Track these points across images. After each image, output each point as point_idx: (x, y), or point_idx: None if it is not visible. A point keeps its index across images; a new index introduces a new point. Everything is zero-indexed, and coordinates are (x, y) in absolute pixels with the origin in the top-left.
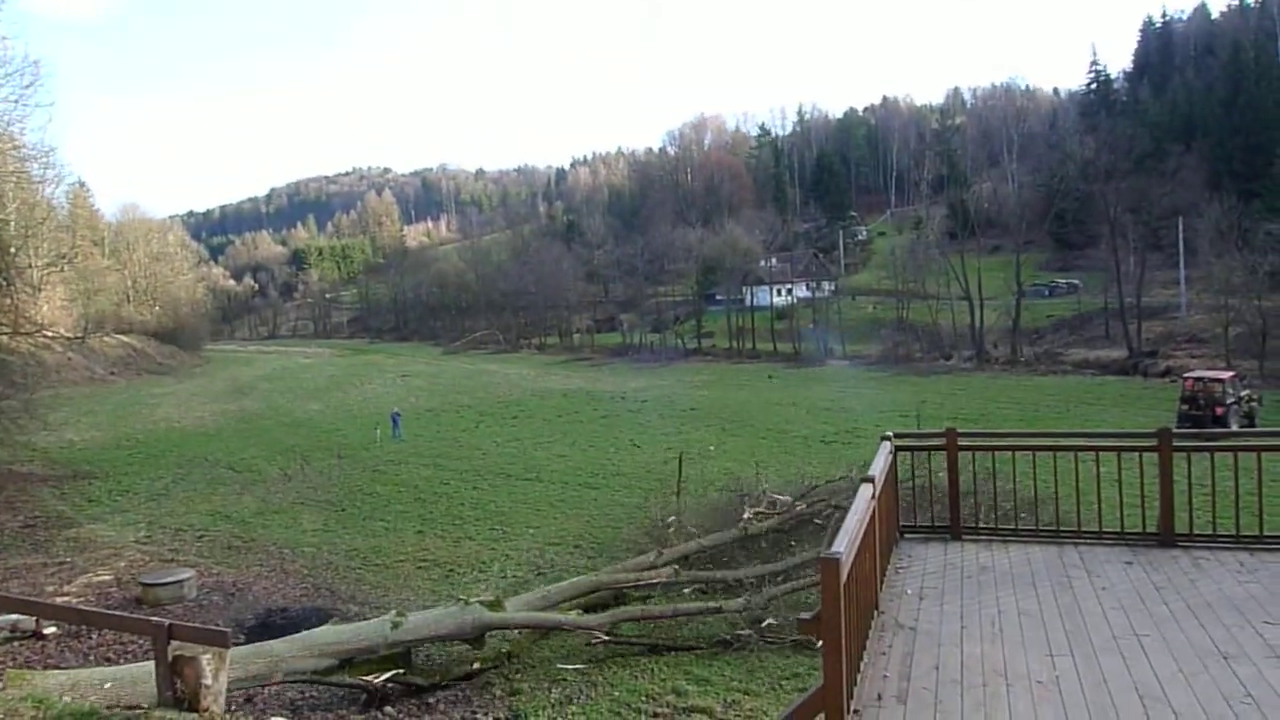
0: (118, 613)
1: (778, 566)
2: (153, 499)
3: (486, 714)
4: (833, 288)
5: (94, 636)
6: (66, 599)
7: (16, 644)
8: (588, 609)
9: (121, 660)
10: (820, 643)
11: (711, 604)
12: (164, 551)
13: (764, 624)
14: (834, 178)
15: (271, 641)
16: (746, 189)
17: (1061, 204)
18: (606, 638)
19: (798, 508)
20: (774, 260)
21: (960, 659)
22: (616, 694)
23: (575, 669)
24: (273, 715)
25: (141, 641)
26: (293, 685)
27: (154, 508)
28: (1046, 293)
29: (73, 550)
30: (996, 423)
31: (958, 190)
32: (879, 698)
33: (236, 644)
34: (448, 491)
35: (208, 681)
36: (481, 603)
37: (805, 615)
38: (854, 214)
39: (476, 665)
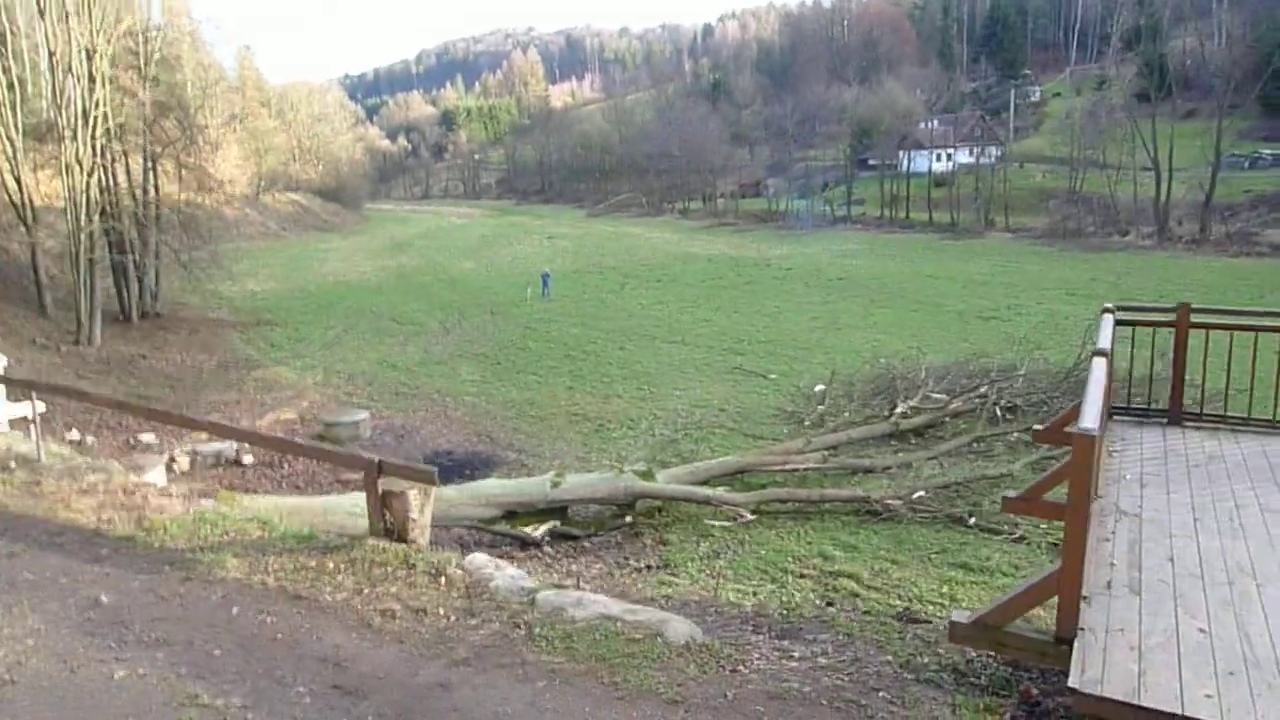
0: (333, 448)
1: (928, 454)
2: (326, 346)
3: (638, 560)
4: (999, 154)
5: (285, 467)
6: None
7: (221, 469)
8: (735, 487)
9: (309, 490)
10: (975, 528)
11: (859, 492)
12: (339, 394)
13: (914, 496)
14: (1008, 31)
15: (445, 487)
16: (909, 44)
17: None
18: (752, 516)
19: (952, 405)
20: (935, 122)
21: (1197, 552)
22: (763, 553)
23: (723, 526)
24: (451, 551)
25: (325, 475)
26: (460, 526)
27: (328, 354)
28: (1246, 165)
29: (261, 390)
30: None
31: (1154, 45)
32: (1108, 585)
33: None
34: (595, 350)
35: (414, 516)
36: (635, 472)
37: (1011, 494)
38: (1028, 72)
39: (628, 519)
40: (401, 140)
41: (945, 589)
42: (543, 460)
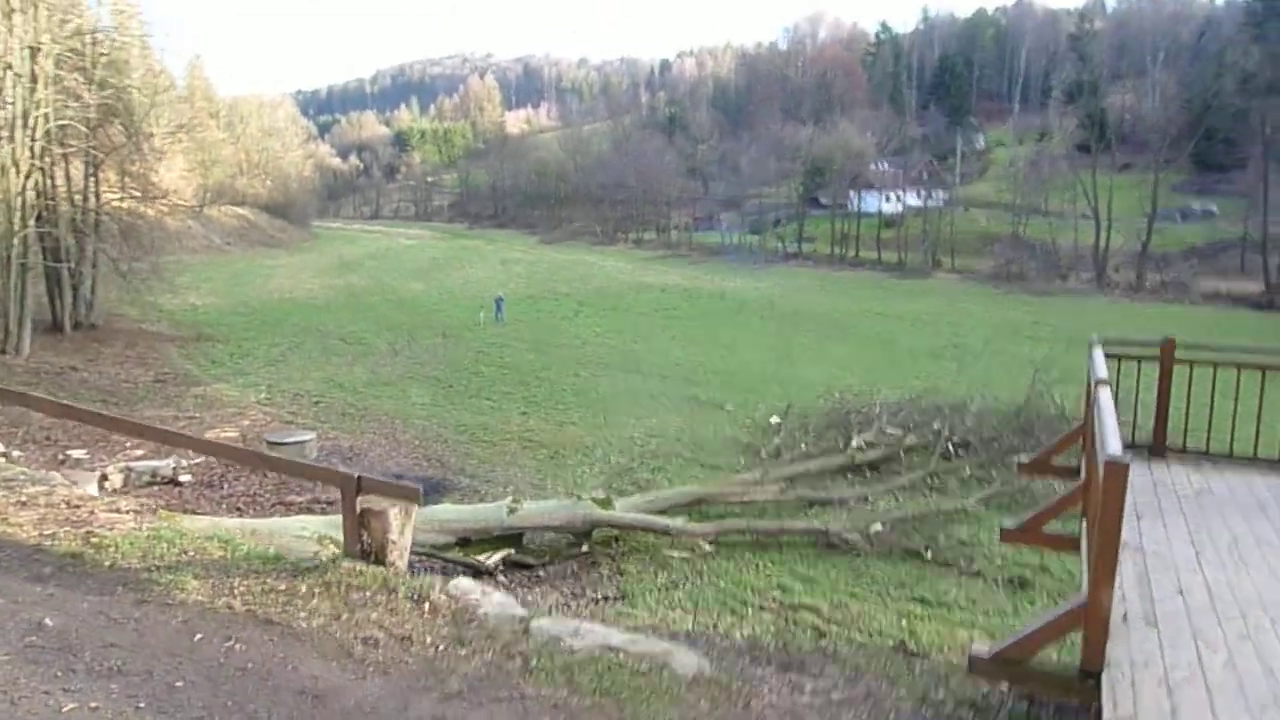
0: (309, 463)
1: (884, 487)
2: (271, 364)
3: (595, 590)
4: (946, 197)
5: (224, 488)
6: None
7: (157, 488)
8: (693, 517)
9: (250, 512)
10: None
11: (817, 524)
12: (283, 414)
13: (871, 530)
14: (956, 80)
15: None
16: (860, 88)
17: (1212, 121)
18: (710, 547)
19: (907, 440)
20: (885, 164)
21: (1205, 585)
22: (722, 584)
23: (680, 556)
24: (435, 575)
25: (266, 496)
26: (411, 553)
27: (272, 372)
28: (1179, 217)
29: (200, 407)
30: None
31: (1094, 100)
32: (1124, 618)
33: None
34: (550, 376)
35: (394, 537)
36: (593, 500)
37: (1009, 525)
38: (973, 120)
39: (584, 548)
40: (353, 159)
41: (904, 623)
42: (495, 486)
